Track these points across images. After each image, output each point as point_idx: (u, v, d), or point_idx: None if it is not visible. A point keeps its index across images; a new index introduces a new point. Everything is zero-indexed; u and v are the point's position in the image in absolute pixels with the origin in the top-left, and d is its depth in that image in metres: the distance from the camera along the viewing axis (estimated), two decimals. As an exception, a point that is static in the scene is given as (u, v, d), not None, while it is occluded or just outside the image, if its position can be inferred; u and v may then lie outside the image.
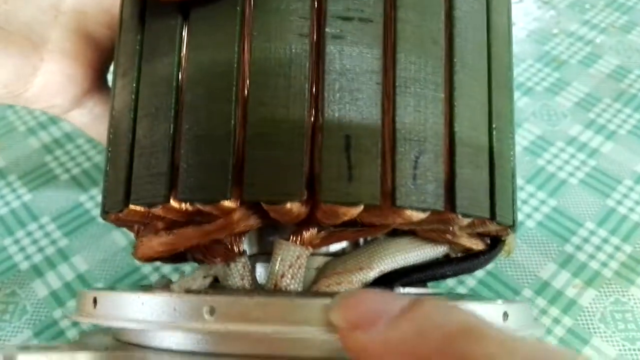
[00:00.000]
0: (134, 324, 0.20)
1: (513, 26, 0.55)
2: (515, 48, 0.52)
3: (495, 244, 0.26)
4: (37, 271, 0.40)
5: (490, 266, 0.37)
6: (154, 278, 0.40)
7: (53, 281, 0.39)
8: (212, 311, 0.19)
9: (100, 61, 0.30)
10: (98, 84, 0.30)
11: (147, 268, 0.40)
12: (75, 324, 0.37)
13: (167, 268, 0.39)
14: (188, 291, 0.20)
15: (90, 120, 0.31)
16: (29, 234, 0.42)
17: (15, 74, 0.27)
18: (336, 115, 0.20)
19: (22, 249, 0.41)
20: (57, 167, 0.47)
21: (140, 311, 0.20)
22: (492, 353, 0.14)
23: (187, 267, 0.36)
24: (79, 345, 0.22)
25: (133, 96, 0.23)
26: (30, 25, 0.27)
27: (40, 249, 0.41)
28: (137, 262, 0.40)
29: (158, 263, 0.40)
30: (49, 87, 0.28)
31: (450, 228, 0.23)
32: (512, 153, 0.25)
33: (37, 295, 0.38)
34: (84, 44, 0.29)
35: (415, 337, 0.15)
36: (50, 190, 0.45)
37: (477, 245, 0.25)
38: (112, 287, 0.28)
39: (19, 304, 0.38)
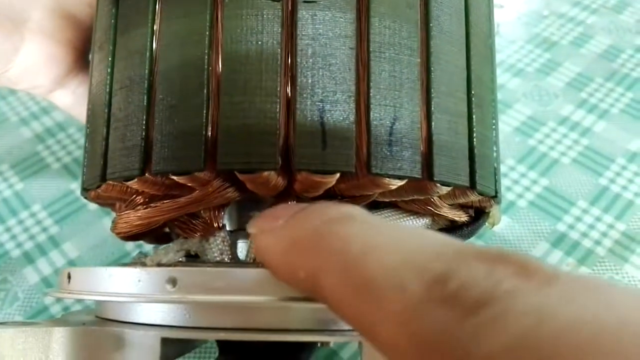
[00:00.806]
0: (101, 297, 0.20)
1: (502, 8, 0.55)
2: (505, 30, 0.52)
3: (478, 215, 0.25)
4: (28, 258, 0.40)
5: (481, 245, 0.36)
6: (145, 263, 0.39)
7: (44, 268, 0.39)
8: (174, 282, 0.18)
9: (82, 40, 0.30)
10: (80, 63, 0.30)
11: (137, 253, 0.40)
12: (65, 308, 0.36)
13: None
14: (159, 265, 0.20)
15: (74, 101, 0.31)
16: (20, 222, 0.42)
17: None
18: (309, 81, 0.20)
19: (14, 237, 0.41)
20: (49, 156, 0.46)
21: (108, 284, 0.20)
22: (353, 234, 0.15)
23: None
24: (56, 321, 0.22)
25: (109, 69, 0.23)
26: (11, 4, 0.27)
27: (32, 237, 0.41)
28: (128, 248, 0.40)
29: (148, 247, 0.40)
30: (31, 67, 0.28)
31: (431, 198, 0.23)
32: (493, 121, 0.24)
33: (29, 281, 0.38)
34: (64, 22, 0.29)
35: (298, 223, 0.17)
36: (41, 179, 0.45)
37: (459, 217, 0.25)
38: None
39: (10, 290, 0.38)
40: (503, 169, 0.41)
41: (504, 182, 0.40)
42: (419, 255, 0.13)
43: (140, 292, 0.19)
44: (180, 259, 0.22)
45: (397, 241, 0.14)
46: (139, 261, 0.23)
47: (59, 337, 0.19)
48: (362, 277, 0.14)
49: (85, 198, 0.26)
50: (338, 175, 0.20)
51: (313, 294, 0.15)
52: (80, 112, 0.32)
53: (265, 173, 0.20)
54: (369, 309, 0.13)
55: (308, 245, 0.16)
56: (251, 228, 0.19)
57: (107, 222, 0.41)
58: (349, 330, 0.19)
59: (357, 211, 0.16)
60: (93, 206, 0.42)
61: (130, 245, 0.40)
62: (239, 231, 0.26)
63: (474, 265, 0.12)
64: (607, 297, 0.11)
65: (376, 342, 0.13)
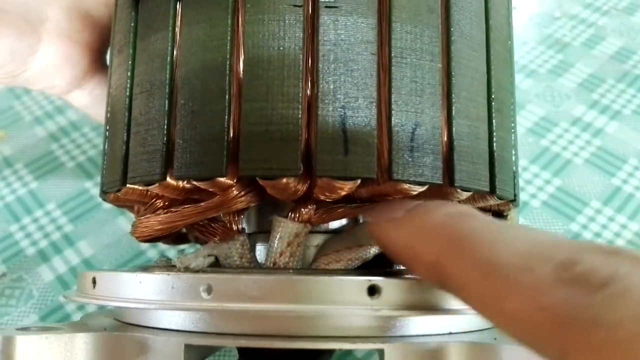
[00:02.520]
0: (132, 304, 0.20)
1: (514, 10, 0.55)
2: (517, 31, 0.51)
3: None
4: (43, 256, 0.40)
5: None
6: (159, 262, 0.40)
7: (59, 266, 0.39)
8: (209, 290, 0.18)
9: (99, 41, 0.30)
10: (98, 64, 0.30)
11: (152, 252, 0.40)
12: (80, 307, 0.37)
13: (172, 251, 0.40)
14: (187, 269, 0.20)
15: (91, 102, 0.31)
16: (35, 220, 0.42)
17: (12, 54, 0.26)
18: (331, 87, 0.20)
19: (29, 235, 0.41)
20: (63, 155, 0.47)
21: (139, 290, 0.20)
22: (477, 227, 0.17)
23: (191, 249, 0.36)
24: (77, 326, 0.22)
25: (129, 73, 0.23)
26: (27, 4, 0.27)
27: (46, 235, 0.41)
28: (142, 247, 0.40)
29: (163, 247, 0.40)
30: (48, 67, 0.28)
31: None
32: (513, 125, 0.24)
33: (43, 280, 0.39)
34: (81, 23, 0.29)
35: (421, 215, 0.19)
36: (56, 178, 0.45)
37: (478, 220, 0.25)
38: (108, 269, 0.28)
39: (26, 288, 0.38)
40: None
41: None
42: (542, 245, 0.15)
43: (173, 299, 0.19)
44: (209, 264, 0.22)
45: (519, 234, 0.16)
46: (165, 264, 0.23)
47: (82, 343, 0.19)
48: (491, 260, 0.15)
49: (104, 200, 0.26)
50: (359, 181, 0.20)
51: (435, 278, 0.17)
52: (97, 113, 0.32)
53: (286, 179, 0.20)
54: (498, 289, 0.15)
55: (434, 233, 0.18)
56: (369, 217, 0.21)
57: (121, 221, 0.42)
58: (370, 337, 0.19)
59: (475, 210, 0.18)
60: (107, 205, 0.42)
61: (144, 244, 0.40)
62: (258, 234, 0.26)
63: (594, 254, 0.14)
64: None
65: (503, 320, 0.15)
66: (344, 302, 0.18)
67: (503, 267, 0.15)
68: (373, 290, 0.18)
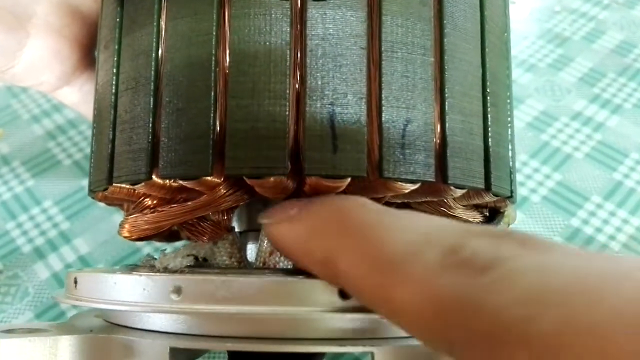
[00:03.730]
0: (107, 305, 0.19)
1: (514, 4, 0.54)
2: (517, 26, 0.51)
3: (493, 215, 0.25)
4: (39, 253, 0.40)
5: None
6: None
7: (55, 263, 0.39)
8: (178, 291, 0.18)
9: (88, 36, 0.29)
10: (87, 60, 0.30)
11: (148, 249, 0.40)
12: (73, 305, 0.36)
13: (169, 248, 0.39)
14: (165, 270, 0.20)
15: (81, 99, 0.31)
16: (31, 217, 0.42)
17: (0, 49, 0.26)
18: (319, 82, 0.19)
19: (25, 233, 0.41)
20: (60, 153, 0.46)
21: (114, 291, 0.19)
22: (369, 218, 0.17)
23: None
24: (64, 328, 0.22)
25: (114, 70, 0.23)
26: None
27: (42, 232, 0.41)
28: (138, 244, 0.40)
29: (159, 244, 0.40)
30: (36, 63, 0.28)
31: (444, 200, 0.22)
32: (509, 119, 0.23)
33: (39, 277, 0.38)
34: (70, 18, 0.28)
35: (313, 211, 0.18)
36: (53, 176, 0.45)
37: (474, 217, 0.24)
38: (97, 269, 0.27)
39: (21, 286, 0.38)
40: (516, 164, 0.41)
41: (517, 177, 0.40)
42: (430, 232, 0.15)
43: (145, 301, 0.18)
44: (188, 264, 0.21)
45: (409, 222, 0.16)
46: (148, 264, 0.22)
47: (67, 345, 0.19)
48: (379, 251, 0.15)
49: (93, 198, 0.26)
50: (349, 179, 0.20)
51: (328, 274, 0.17)
52: (87, 110, 0.31)
53: (274, 178, 0.20)
54: (386, 280, 0.14)
55: (325, 228, 0.17)
56: (264, 219, 0.20)
57: (117, 218, 0.41)
58: (359, 340, 0.19)
59: (367, 200, 0.18)
60: (103, 202, 0.42)
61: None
62: (249, 232, 0.26)
63: (482, 238, 0.14)
64: (607, 257, 0.13)
65: (392, 312, 0.14)
66: (315, 304, 0.17)
67: (391, 256, 0.15)
68: (345, 294, 0.17)
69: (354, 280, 0.16)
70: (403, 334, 0.20)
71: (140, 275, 0.18)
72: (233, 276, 0.18)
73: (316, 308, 0.17)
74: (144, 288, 0.18)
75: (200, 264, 0.22)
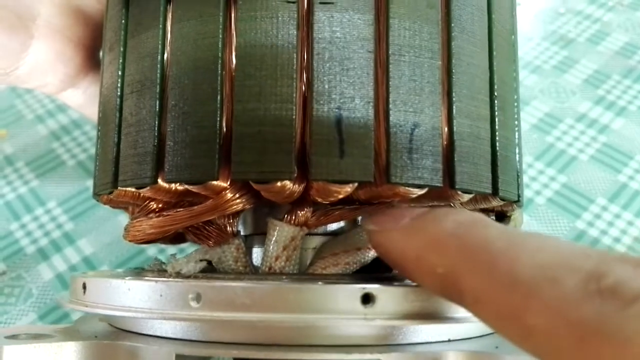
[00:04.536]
0: (120, 312, 0.19)
1: (518, 6, 0.54)
2: (522, 28, 0.51)
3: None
4: (42, 254, 0.40)
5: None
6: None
7: (59, 264, 0.39)
8: (198, 298, 0.18)
9: (92, 38, 0.29)
10: (91, 62, 0.30)
11: (152, 250, 0.39)
12: (80, 307, 0.36)
13: (173, 249, 0.39)
14: (178, 275, 0.20)
15: (86, 101, 0.31)
16: (35, 218, 0.42)
17: (3, 50, 0.26)
18: (326, 86, 0.19)
19: (29, 233, 0.41)
20: (64, 153, 0.46)
21: (127, 297, 0.19)
22: (494, 236, 0.16)
23: (192, 247, 0.36)
24: (68, 333, 0.21)
25: (119, 72, 0.23)
26: (18, 0, 0.27)
27: (46, 233, 0.41)
28: (142, 245, 0.40)
29: (163, 245, 0.40)
30: (40, 65, 0.28)
31: (451, 204, 0.22)
32: (516, 123, 0.23)
33: (43, 278, 0.38)
34: (74, 19, 0.28)
35: (430, 224, 0.17)
36: (57, 176, 0.45)
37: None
38: (103, 272, 0.27)
39: (25, 287, 0.38)
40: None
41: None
42: (565, 255, 0.15)
43: (162, 309, 0.18)
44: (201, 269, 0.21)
45: (538, 244, 0.15)
46: (157, 269, 0.22)
47: (71, 351, 0.19)
48: (510, 273, 0.15)
49: (97, 201, 0.25)
50: (356, 184, 0.20)
51: (448, 291, 0.16)
52: (92, 112, 0.31)
53: (281, 182, 0.19)
54: (519, 303, 0.14)
55: (446, 244, 0.17)
56: (370, 225, 0.19)
57: (122, 219, 0.41)
58: (367, 346, 0.19)
59: (484, 216, 0.17)
60: (107, 203, 0.42)
61: (144, 242, 0.40)
62: (254, 236, 0.25)
63: (621, 265, 0.14)
64: None
65: (522, 336, 0.14)
66: (337, 311, 0.17)
67: (525, 280, 0.14)
68: (367, 299, 0.17)
69: (480, 300, 0.15)
70: (410, 340, 0.20)
71: (157, 281, 0.18)
72: (253, 282, 0.17)
73: (340, 315, 0.17)
74: (160, 294, 0.18)
75: (207, 269, 0.22)
